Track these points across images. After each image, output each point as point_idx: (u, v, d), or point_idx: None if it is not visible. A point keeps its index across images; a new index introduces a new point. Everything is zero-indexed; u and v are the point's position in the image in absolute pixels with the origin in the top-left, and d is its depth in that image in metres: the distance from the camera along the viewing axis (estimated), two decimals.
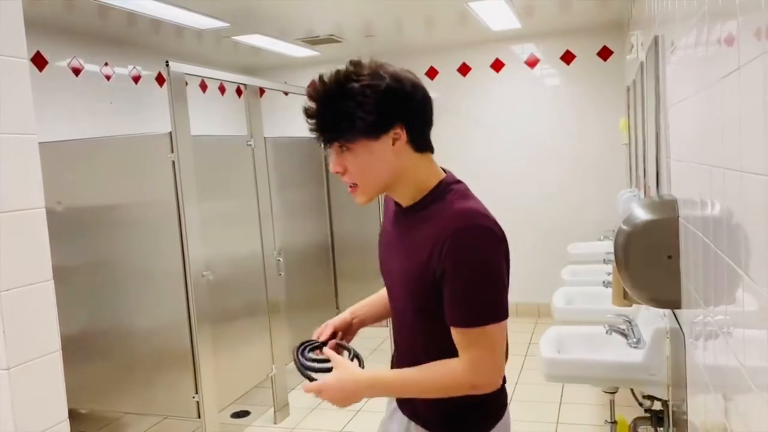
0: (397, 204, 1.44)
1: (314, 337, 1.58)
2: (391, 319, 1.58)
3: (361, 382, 1.35)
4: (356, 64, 1.32)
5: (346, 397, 1.35)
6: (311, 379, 1.40)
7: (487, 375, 1.30)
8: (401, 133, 1.31)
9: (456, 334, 1.29)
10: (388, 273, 1.51)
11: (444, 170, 1.45)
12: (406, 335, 1.47)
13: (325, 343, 1.52)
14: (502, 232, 1.32)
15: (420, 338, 1.41)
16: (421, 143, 1.37)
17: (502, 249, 1.31)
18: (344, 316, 1.64)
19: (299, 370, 1.46)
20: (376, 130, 1.28)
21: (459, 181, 1.43)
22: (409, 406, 1.46)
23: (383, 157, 1.31)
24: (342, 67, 1.31)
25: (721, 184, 1.12)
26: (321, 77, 1.29)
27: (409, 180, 1.37)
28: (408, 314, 1.42)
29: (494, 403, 1.40)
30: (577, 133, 5.61)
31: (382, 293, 1.65)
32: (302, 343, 1.54)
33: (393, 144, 1.30)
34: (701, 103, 1.32)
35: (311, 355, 1.49)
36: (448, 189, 1.37)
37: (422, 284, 1.31)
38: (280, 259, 3.92)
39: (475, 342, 1.27)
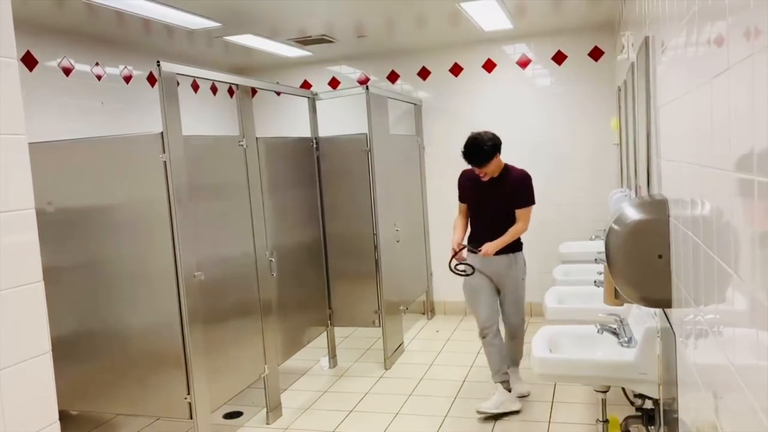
0: (481, 177, 3.81)
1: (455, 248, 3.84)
2: (478, 223, 3.95)
3: (492, 242, 3.72)
4: (478, 136, 3.74)
5: (491, 249, 3.71)
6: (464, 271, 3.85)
7: (527, 224, 3.82)
8: (498, 155, 3.76)
9: (519, 211, 3.82)
10: (484, 202, 3.88)
11: (508, 164, 3.91)
12: (500, 222, 3.80)
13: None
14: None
15: (508, 219, 3.80)
16: (500, 152, 3.79)
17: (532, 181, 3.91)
18: (458, 240, 3.90)
19: (456, 268, 3.83)
20: (492, 158, 3.73)
21: (508, 164, 3.92)
22: (501, 251, 3.78)
23: (497, 164, 3.79)
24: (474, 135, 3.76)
25: (711, 183, 1.13)
26: (473, 140, 3.76)
27: (500, 167, 3.84)
28: (504, 213, 3.81)
29: (520, 242, 3.92)
30: (569, 133, 5.63)
31: (460, 224, 4.00)
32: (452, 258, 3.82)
33: (497, 157, 3.77)
34: (691, 103, 1.33)
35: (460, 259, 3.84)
36: (508, 167, 3.87)
37: (513, 199, 3.81)
38: (273, 260, 3.91)
39: (524, 213, 3.83)
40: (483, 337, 3.83)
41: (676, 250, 1.56)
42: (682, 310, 1.52)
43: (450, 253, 3.81)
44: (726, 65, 0.97)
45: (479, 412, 3.73)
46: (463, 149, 3.71)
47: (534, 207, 3.86)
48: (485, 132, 3.74)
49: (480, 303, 3.83)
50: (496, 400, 3.74)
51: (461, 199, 4.00)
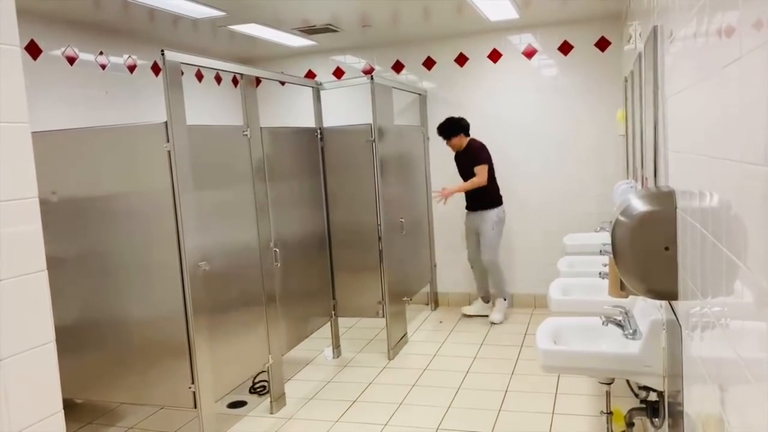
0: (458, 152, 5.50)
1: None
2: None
3: (450, 187, 5.34)
4: (452, 118, 5.41)
5: (448, 191, 5.32)
6: None
7: (481, 177, 5.26)
8: (461, 135, 5.37)
9: (475, 169, 5.32)
10: (459, 169, 5.46)
11: (473, 138, 5.44)
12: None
13: None
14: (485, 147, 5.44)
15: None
16: (466, 133, 5.39)
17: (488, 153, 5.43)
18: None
19: None
20: (455, 135, 5.36)
21: (475, 140, 5.48)
22: (473, 208, 5.48)
23: (459, 141, 5.38)
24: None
25: (720, 175, 1.12)
26: (446, 120, 5.45)
27: (462, 144, 5.41)
28: (471, 174, 5.31)
29: (495, 197, 5.40)
30: (574, 124, 5.60)
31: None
32: None
33: (460, 136, 5.38)
34: (700, 93, 1.32)
35: None
36: (470, 143, 5.41)
37: (471, 162, 5.34)
38: (277, 250, 3.91)
39: (478, 169, 5.31)
40: (471, 266, 5.57)
41: (683, 241, 1.55)
42: (689, 303, 1.51)
43: None
44: (738, 54, 0.96)
45: (464, 315, 5.62)
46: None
47: (486, 167, 5.30)
48: (460, 118, 5.33)
49: (467, 244, 5.55)
50: (478, 307, 5.58)
51: None
